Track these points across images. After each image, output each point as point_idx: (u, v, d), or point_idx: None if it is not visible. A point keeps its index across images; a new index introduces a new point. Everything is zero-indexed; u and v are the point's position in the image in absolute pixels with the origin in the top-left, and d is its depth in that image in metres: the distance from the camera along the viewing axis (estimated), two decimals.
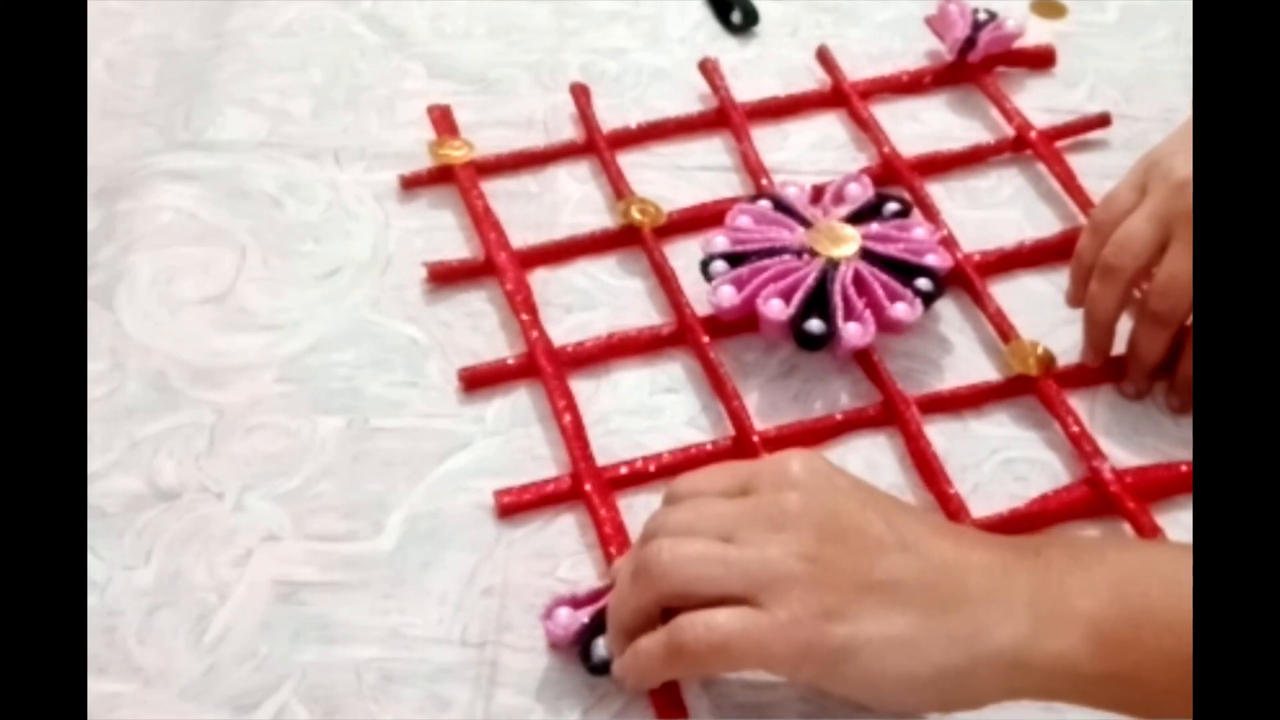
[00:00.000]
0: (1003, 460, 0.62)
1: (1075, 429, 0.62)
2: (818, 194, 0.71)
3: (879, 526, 0.48)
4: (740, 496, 0.50)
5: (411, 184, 0.75)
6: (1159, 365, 0.64)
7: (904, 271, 0.66)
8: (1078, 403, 0.64)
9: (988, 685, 0.46)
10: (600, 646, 0.52)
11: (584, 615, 0.53)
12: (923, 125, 0.80)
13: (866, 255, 0.66)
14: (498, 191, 0.75)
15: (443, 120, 0.79)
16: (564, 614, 0.53)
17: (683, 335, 0.67)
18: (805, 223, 0.68)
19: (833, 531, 0.48)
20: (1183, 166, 0.62)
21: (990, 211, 0.75)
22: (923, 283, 0.66)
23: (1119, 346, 0.65)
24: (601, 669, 0.52)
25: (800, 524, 0.48)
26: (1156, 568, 0.47)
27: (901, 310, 0.64)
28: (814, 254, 0.66)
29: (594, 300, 0.69)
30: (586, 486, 0.60)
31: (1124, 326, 0.65)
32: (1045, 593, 0.46)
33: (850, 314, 0.64)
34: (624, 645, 0.50)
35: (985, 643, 0.46)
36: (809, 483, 0.50)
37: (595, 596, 0.54)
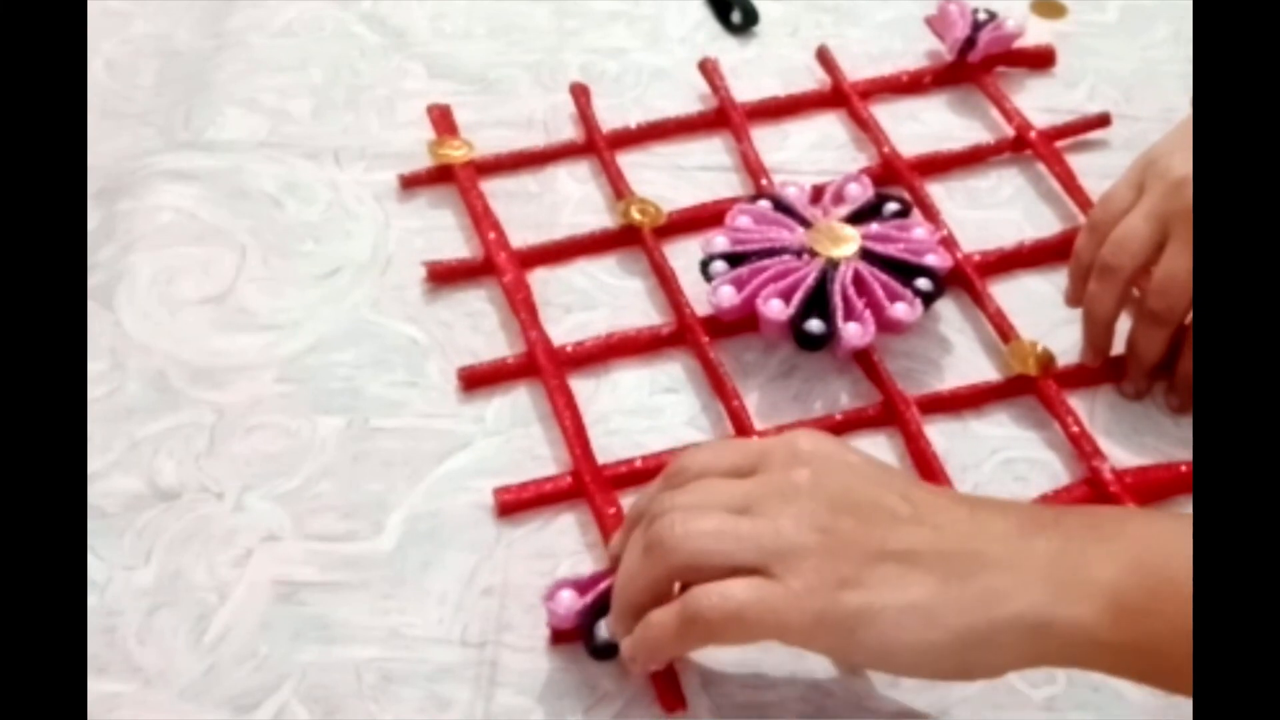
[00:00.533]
0: (1003, 460, 0.62)
1: (1075, 429, 0.62)
2: (818, 194, 0.71)
3: (892, 499, 0.48)
4: (748, 475, 0.50)
5: (411, 184, 0.75)
6: (1158, 364, 0.64)
7: (904, 271, 0.66)
8: (1078, 403, 0.64)
9: (1008, 652, 0.46)
10: (603, 629, 0.52)
11: (587, 598, 0.53)
12: (923, 125, 0.80)
13: (866, 255, 0.66)
14: (497, 191, 0.75)
15: (442, 120, 0.79)
16: (566, 596, 0.53)
17: (683, 335, 0.67)
18: (805, 223, 0.68)
19: (846, 504, 0.48)
20: (1180, 165, 0.62)
21: (990, 211, 0.75)
22: (923, 283, 0.66)
23: (1118, 346, 0.65)
24: (604, 651, 0.52)
25: (813, 497, 0.48)
26: (1178, 539, 0.46)
27: (901, 310, 0.64)
28: (814, 254, 0.66)
29: (594, 300, 0.69)
30: (588, 482, 0.59)
31: (1123, 326, 0.65)
32: (1064, 561, 0.46)
33: (850, 314, 0.64)
34: (632, 624, 0.50)
35: (1004, 608, 0.45)
36: (819, 459, 0.49)
37: (597, 580, 0.53)
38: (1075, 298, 0.66)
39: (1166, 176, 0.62)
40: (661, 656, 0.51)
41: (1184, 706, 0.43)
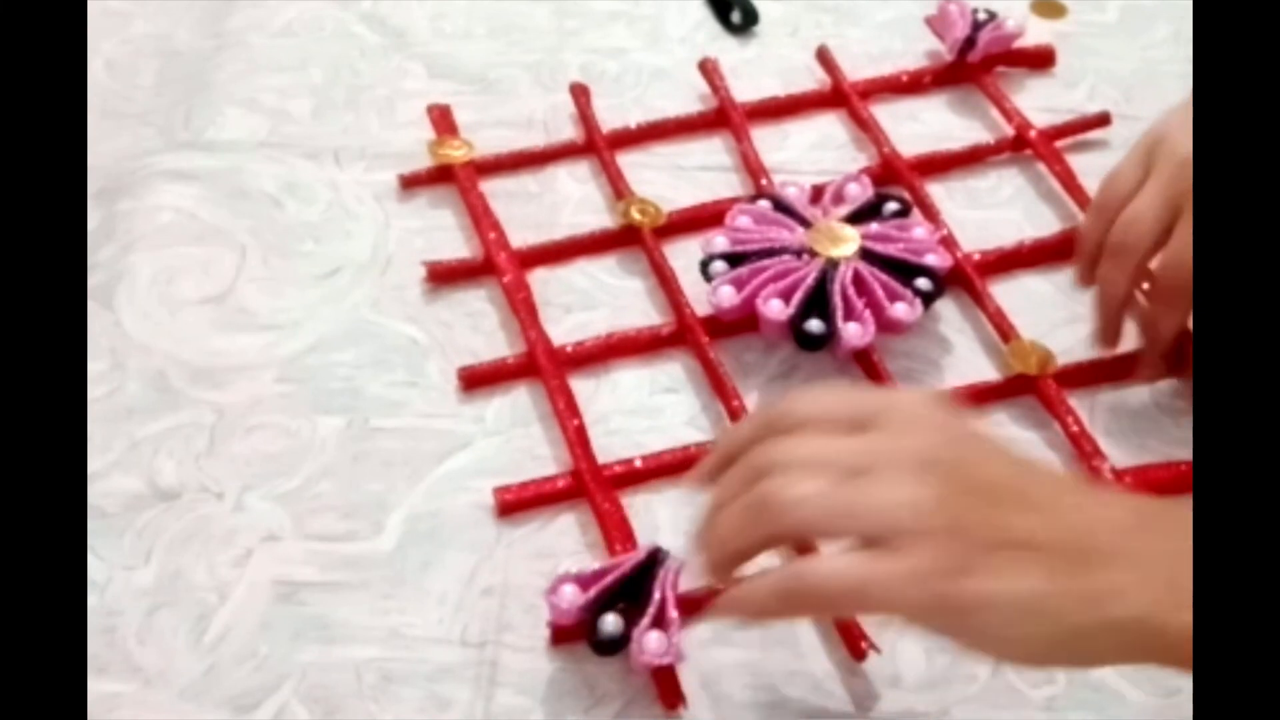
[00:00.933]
0: None
1: (1075, 429, 0.62)
2: (817, 194, 0.71)
3: (1010, 480, 0.46)
4: (859, 430, 0.47)
5: (411, 184, 0.75)
6: (1173, 348, 0.63)
7: (904, 271, 0.66)
8: (1078, 403, 0.64)
9: (1118, 650, 0.44)
10: (609, 622, 0.52)
11: (590, 593, 0.53)
12: (923, 125, 0.80)
13: (866, 255, 0.66)
14: (497, 191, 0.75)
15: (442, 120, 0.79)
16: (569, 590, 0.53)
17: (683, 335, 0.67)
18: (805, 223, 0.68)
19: (964, 482, 0.45)
20: (1187, 143, 0.61)
21: (990, 211, 0.75)
22: (922, 283, 0.66)
23: (1121, 346, 0.65)
24: (606, 646, 0.52)
25: (932, 471, 0.45)
26: None
27: (901, 310, 0.64)
28: (814, 254, 0.66)
29: (594, 300, 0.70)
30: (588, 482, 0.59)
31: (1128, 329, 0.65)
32: (1184, 562, 0.43)
33: (850, 314, 0.64)
34: (725, 575, 0.48)
35: (1119, 607, 0.43)
36: (938, 428, 0.47)
37: (600, 575, 0.53)
38: (1085, 278, 0.64)
39: (1174, 155, 0.61)
40: (763, 619, 0.50)
41: (1184, 707, 0.43)
